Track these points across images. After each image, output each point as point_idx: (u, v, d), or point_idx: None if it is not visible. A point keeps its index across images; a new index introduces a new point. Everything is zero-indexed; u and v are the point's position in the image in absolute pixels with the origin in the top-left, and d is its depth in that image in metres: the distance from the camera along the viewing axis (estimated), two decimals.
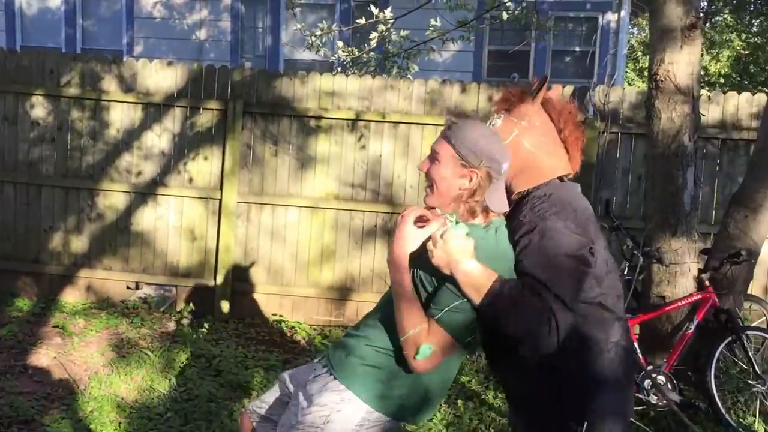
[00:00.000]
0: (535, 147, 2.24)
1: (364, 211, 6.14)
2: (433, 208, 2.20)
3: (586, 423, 2.11)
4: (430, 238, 2.10)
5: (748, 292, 5.23)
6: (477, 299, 2.03)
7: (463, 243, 2.04)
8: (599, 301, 2.17)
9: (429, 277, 2.13)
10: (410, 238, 2.11)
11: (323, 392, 2.19)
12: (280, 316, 6.07)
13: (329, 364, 2.26)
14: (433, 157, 2.19)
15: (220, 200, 6.12)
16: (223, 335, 5.69)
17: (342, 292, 6.16)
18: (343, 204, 6.13)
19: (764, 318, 5.44)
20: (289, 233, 6.17)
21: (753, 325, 5.28)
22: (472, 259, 2.04)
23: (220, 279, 6.12)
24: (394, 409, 2.18)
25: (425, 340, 2.06)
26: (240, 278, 6.18)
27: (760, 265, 5.44)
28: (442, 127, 2.26)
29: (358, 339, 2.23)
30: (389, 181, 6.14)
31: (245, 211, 6.17)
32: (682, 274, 4.68)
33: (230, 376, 4.81)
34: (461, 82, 6.19)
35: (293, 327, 5.97)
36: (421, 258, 2.12)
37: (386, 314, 2.20)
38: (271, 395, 2.44)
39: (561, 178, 2.28)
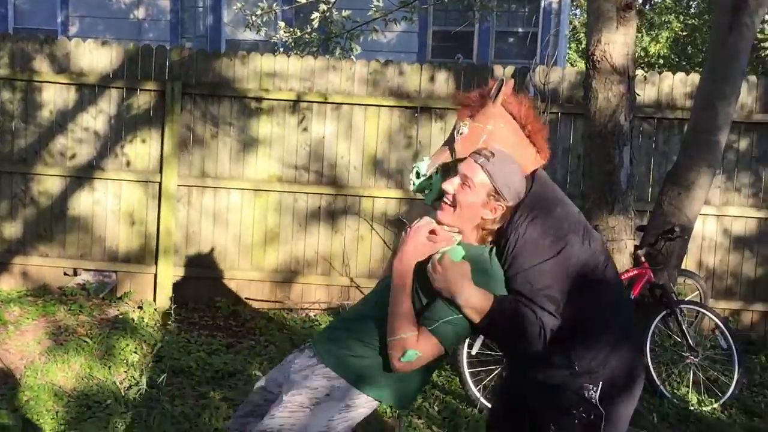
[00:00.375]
0: (505, 149, 2.30)
1: (307, 193, 6.09)
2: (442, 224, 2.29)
3: (600, 383, 2.24)
4: (430, 258, 2.21)
5: (682, 267, 5.39)
6: (476, 319, 2.19)
7: (461, 269, 2.16)
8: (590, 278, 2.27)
9: (426, 289, 2.23)
10: (420, 250, 2.22)
11: (314, 377, 2.26)
12: (224, 299, 6.01)
13: (318, 353, 2.31)
14: (465, 182, 2.25)
15: (160, 183, 5.99)
16: (166, 320, 5.60)
17: (287, 275, 6.13)
18: (286, 186, 6.08)
19: (698, 292, 5.61)
20: (231, 216, 6.09)
21: (687, 299, 5.45)
22: (471, 284, 2.17)
23: (161, 263, 6.01)
24: (380, 392, 2.28)
25: (414, 346, 2.17)
26: (182, 262, 6.08)
27: (693, 240, 5.61)
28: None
29: (348, 334, 2.31)
30: (332, 163, 6.10)
31: (186, 195, 6.06)
32: (618, 250, 4.79)
33: (172, 361, 4.74)
34: (403, 63, 6.18)
35: (237, 310, 5.91)
36: (420, 270, 2.23)
37: (377, 315, 2.26)
38: (247, 407, 2.46)
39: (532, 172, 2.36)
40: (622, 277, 4.72)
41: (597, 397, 2.23)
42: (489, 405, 4.32)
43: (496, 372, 4.53)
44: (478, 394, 4.47)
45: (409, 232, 2.27)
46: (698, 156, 4.86)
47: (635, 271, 4.75)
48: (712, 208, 5.97)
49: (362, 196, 6.10)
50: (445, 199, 2.28)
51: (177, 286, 6.06)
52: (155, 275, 6.03)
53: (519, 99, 2.36)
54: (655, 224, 4.98)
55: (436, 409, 4.37)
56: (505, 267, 2.24)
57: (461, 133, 2.34)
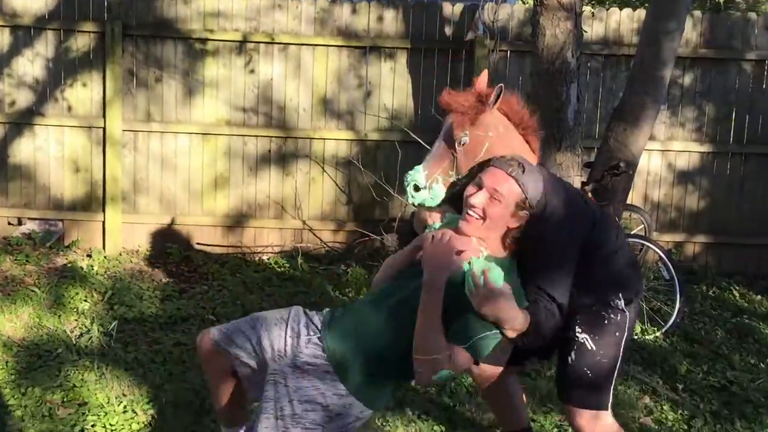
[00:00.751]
0: (506, 151, 2.35)
1: (257, 136, 6.01)
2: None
3: (621, 293, 2.54)
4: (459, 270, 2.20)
5: (628, 201, 5.50)
6: (513, 335, 2.23)
7: (505, 293, 2.14)
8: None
9: (454, 303, 2.19)
10: (451, 267, 2.17)
11: (327, 392, 2.24)
12: (175, 245, 5.95)
13: (332, 363, 2.27)
14: (494, 195, 2.25)
15: (104, 128, 5.84)
16: (116, 268, 5.54)
17: (238, 219, 6.08)
18: (234, 130, 5.98)
19: (642, 225, 5.76)
20: (180, 161, 5.99)
21: (632, 232, 5.59)
22: (515, 307, 2.16)
23: (109, 211, 5.90)
24: (378, 404, 2.36)
25: (447, 366, 2.16)
26: (130, 209, 5.98)
27: (639, 175, 5.73)
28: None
29: (364, 348, 2.26)
30: (281, 105, 6.01)
31: (132, 140, 5.92)
32: None
33: (124, 308, 4.71)
34: (352, 2, 6.06)
35: (189, 256, 5.86)
36: (447, 284, 2.21)
37: (394, 324, 2.25)
38: (244, 343, 2.41)
39: None
40: None
41: (623, 304, 2.53)
42: None
43: None
44: None
45: (433, 242, 2.20)
46: (643, 91, 4.90)
47: None
48: (656, 143, 6.08)
49: (313, 138, 6.05)
50: (471, 213, 2.27)
51: (127, 234, 5.97)
52: (103, 223, 5.93)
53: (511, 99, 2.39)
54: (601, 160, 5.04)
55: None
56: (526, 264, 2.33)
57: (463, 144, 2.35)
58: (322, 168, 6.08)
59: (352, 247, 6.08)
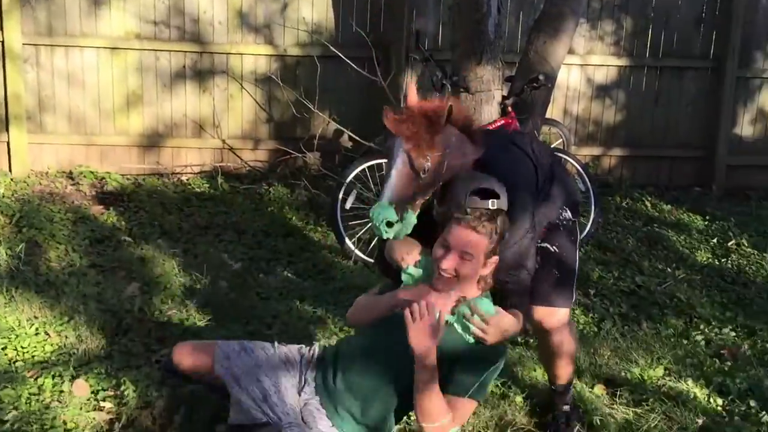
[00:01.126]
0: (462, 159, 2.43)
1: (170, 51, 5.75)
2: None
3: (565, 206, 2.75)
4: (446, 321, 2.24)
5: (548, 116, 5.56)
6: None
7: (502, 316, 2.25)
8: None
9: (445, 359, 2.22)
10: (438, 338, 2.18)
11: None
12: (87, 167, 5.71)
13: (332, 416, 2.33)
14: (464, 257, 2.26)
15: (2, 42, 5.45)
16: (24, 191, 5.29)
17: (154, 139, 5.87)
18: (146, 44, 5.70)
19: (562, 140, 5.86)
20: (88, 78, 5.68)
21: (551, 146, 5.68)
22: (513, 318, 2.28)
23: (13, 131, 5.57)
24: None
25: (453, 425, 2.22)
26: (37, 129, 5.67)
27: (559, 89, 5.79)
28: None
29: (360, 401, 2.32)
30: (195, 18, 5.74)
31: (33, 54, 5.57)
32: (487, 101, 4.84)
33: (33, 231, 4.52)
34: None
35: (103, 178, 5.64)
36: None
37: (387, 372, 2.29)
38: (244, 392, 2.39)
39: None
40: (490, 128, 4.82)
41: (570, 215, 2.76)
42: (364, 257, 4.44)
43: (370, 225, 4.62)
44: (352, 247, 4.56)
45: (414, 320, 2.17)
46: (562, 2, 4.89)
47: (502, 121, 4.84)
48: (576, 57, 6.12)
49: (230, 53, 5.83)
50: (444, 274, 2.29)
51: (34, 154, 5.68)
52: (8, 143, 5.60)
53: (459, 110, 2.42)
54: (521, 74, 5.04)
55: (311, 263, 4.45)
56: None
57: (425, 170, 2.34)
58: (241, 85, 5.89)
59: (273, 165, 5.98)
